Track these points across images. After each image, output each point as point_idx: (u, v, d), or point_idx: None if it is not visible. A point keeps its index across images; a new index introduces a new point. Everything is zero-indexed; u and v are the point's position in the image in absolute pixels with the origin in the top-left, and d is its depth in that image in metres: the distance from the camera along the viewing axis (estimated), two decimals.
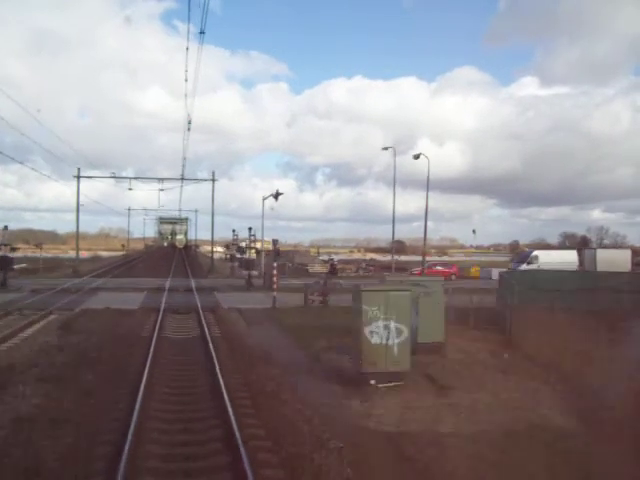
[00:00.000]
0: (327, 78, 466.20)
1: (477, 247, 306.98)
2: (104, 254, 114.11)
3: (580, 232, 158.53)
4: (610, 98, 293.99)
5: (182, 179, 44.70)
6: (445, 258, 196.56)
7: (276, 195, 34.06)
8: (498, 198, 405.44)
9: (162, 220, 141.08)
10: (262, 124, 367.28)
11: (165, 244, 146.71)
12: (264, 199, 38.89)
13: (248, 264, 33.37)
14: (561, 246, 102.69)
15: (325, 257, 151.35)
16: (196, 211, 77.65)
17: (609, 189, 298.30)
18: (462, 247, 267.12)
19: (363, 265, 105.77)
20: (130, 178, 43.88)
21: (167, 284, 31.59)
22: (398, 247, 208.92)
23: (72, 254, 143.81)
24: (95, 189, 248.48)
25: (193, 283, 32.33)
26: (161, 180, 44.44)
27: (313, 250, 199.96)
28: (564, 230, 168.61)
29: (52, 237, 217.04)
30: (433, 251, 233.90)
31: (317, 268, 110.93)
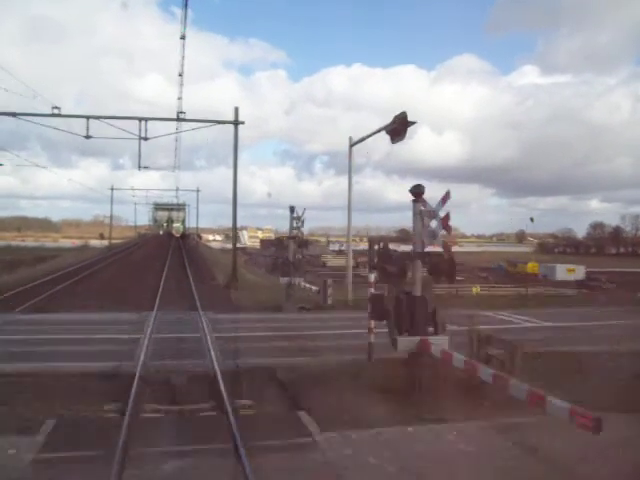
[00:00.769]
0: (326, 66, 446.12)
1: (478, 236, 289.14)
2: (97, 243, 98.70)
3: (609, 222, 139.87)
4: (611, 87, 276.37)
5: (178, 119, 23.70)
6: (456, 248, 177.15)
7: (400, 123, 13.51)
8: (496, 187, 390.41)
9: (157, 206, 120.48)
10: (260, 112, 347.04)
11: (161, 232, 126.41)
12: (352, 145, 18.58)
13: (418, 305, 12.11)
14: None
15: (336, 247, 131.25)
16: (197, 191, 57.08)
17: (607, 179, 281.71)
18: (464, 236, 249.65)
19: None
20: (87, 117, 22.81)
21: (142, 352, 10.64)
22: (404, 237, 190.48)
23: (64, 243, 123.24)
24: (92, 176, 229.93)
25: (211, 344, 11.38)
26: (144, 121, 23.21)
27: (317, 238, 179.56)
28: (594, 220, 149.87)
29: (46, 225, 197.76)
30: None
31: (335, 261, 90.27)
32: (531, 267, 70.42)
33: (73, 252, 63.44)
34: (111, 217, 60.56)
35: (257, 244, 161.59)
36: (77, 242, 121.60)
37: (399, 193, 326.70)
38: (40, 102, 26.54)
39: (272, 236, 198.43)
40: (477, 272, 70.11)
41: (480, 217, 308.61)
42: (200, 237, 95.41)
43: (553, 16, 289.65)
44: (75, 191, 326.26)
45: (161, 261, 36.45)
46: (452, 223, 8.48)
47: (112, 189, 55.02)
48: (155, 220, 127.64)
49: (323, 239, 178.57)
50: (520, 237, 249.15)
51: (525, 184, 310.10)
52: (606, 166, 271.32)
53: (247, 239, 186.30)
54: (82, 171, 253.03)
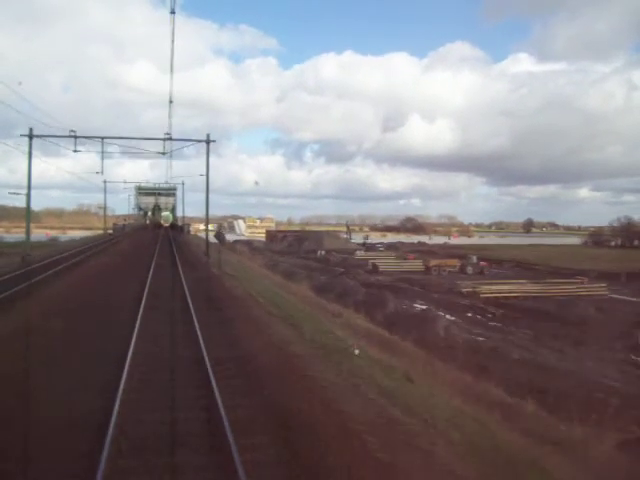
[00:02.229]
0: (317, 53, 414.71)
1: (477, 225, 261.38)
2: (77, 234, 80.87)
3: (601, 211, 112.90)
4: (606, 75, 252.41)
5: None
6: (474, 240, 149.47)
7: None
8: (487, 176, 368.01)
9: (141, 190, 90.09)
10: (250, 99, 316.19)
11: (147, 222, 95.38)
12: None
13: None
14: None
15: (359, 239, 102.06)
16: (208, 141, 26.61)
17: (598, 168, 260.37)
18: (462, 225, 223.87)
19: (474, 260, 57.06)
20: None
21: None
22: (413, 226, 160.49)
23: (37, 234, 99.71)
24: (82, 165, 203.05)
25: None
26: None
27: (332, 228, 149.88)
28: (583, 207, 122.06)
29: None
30: (454, 229, 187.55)
31: (387, 262, 59.22)
32: None
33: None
34: (27, 197, 29.15)
35: (257, 235, 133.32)
36: (51, 233, 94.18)
37: (388, 182, 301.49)
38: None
39: (273, 226, 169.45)
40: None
41: (470, 206, 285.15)
42: (222, 238, 63.32)
43: (551, 1, 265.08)
44: (64, 180, 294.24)
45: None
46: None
47: (30, 136, 24.88)
48: (139, 208, 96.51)
49: (321, 228, 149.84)
50: (527, 226, 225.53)
51: (516, 173, 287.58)
52: (598, 155, 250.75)
53: (245, 230, 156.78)
54: (71, 160, 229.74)
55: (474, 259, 53.46)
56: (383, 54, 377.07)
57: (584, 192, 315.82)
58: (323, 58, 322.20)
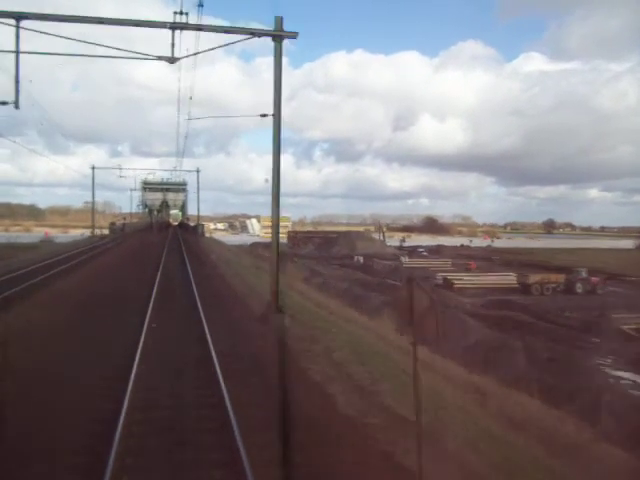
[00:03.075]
0: (328, 52, 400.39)
1: (491, 225, 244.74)
2: (79, 233, 72.63)
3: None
4: (619, 74, 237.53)
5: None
6: (507, 243, 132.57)
7: None
8: (496, 176, 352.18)
9: (147, 186, 76.13)
10: (260, 98, 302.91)
11: (152, 221, 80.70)
12: None
13: None
14: None
15: (395, 242, 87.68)
16: (284, 34, 13.35)
17: (609, 168, 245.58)
18: (476, 225, 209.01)
19: (583, 274, 40.35)
20: None
21: None
22: (431, 225, 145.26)
23: (37, 233, 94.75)
24: (90, 163, 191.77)
25: None
26: None
27: (354, 228, 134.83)
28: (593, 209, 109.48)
29: (34, 212, 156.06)
30: (479, 231, 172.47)
31: (464, 277, 38.95)
32: None
33: None
34: None
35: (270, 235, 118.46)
36: (50, 232, 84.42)
37: (397, 181, 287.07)
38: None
39: (289, 225, 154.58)
40: None
41: (479, 205, 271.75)
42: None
43: None
44: (73, 178, 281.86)
45: None
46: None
47: None
48: (144, 205, 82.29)
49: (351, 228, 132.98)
50: (548, 227, 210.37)
51: (526, 173, 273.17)
52: (609, 154, 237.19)
53: (259, 230, 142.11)
54: (80, 158, 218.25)
55: (583, 273, 38.99)
56: (394, 53, 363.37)
57: (594, 192, 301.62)
58: (334, 57, 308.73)
